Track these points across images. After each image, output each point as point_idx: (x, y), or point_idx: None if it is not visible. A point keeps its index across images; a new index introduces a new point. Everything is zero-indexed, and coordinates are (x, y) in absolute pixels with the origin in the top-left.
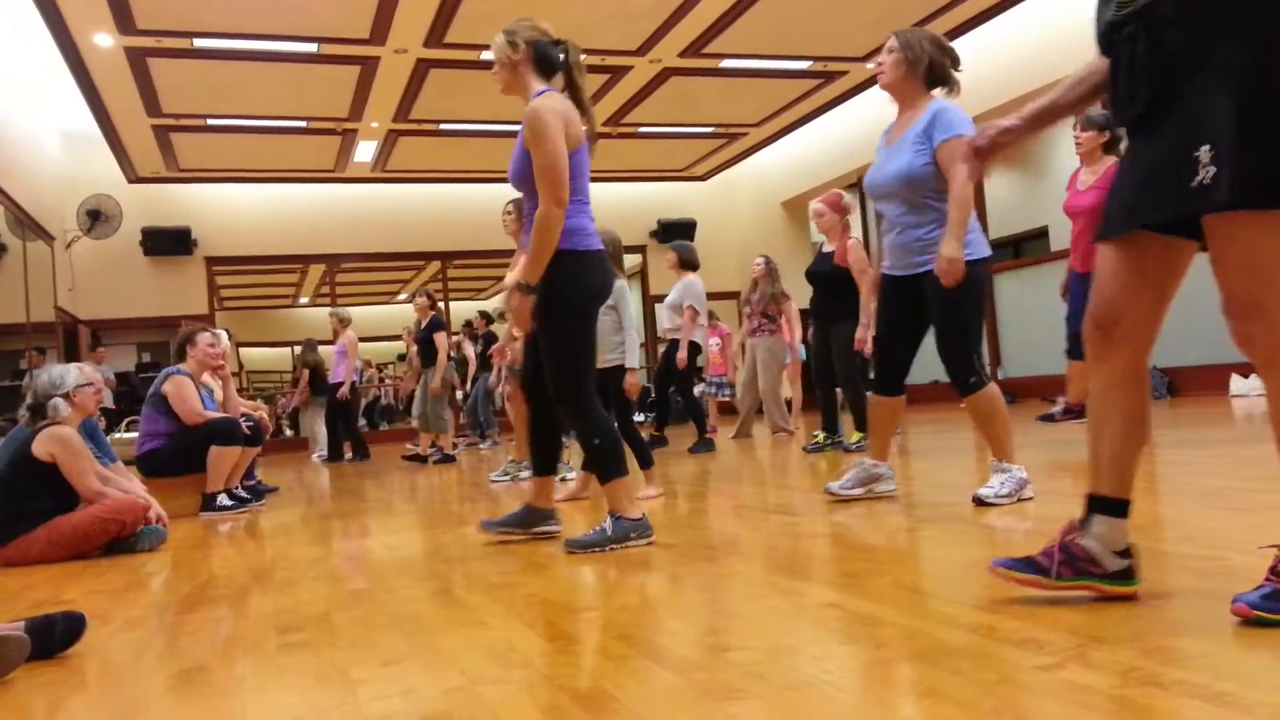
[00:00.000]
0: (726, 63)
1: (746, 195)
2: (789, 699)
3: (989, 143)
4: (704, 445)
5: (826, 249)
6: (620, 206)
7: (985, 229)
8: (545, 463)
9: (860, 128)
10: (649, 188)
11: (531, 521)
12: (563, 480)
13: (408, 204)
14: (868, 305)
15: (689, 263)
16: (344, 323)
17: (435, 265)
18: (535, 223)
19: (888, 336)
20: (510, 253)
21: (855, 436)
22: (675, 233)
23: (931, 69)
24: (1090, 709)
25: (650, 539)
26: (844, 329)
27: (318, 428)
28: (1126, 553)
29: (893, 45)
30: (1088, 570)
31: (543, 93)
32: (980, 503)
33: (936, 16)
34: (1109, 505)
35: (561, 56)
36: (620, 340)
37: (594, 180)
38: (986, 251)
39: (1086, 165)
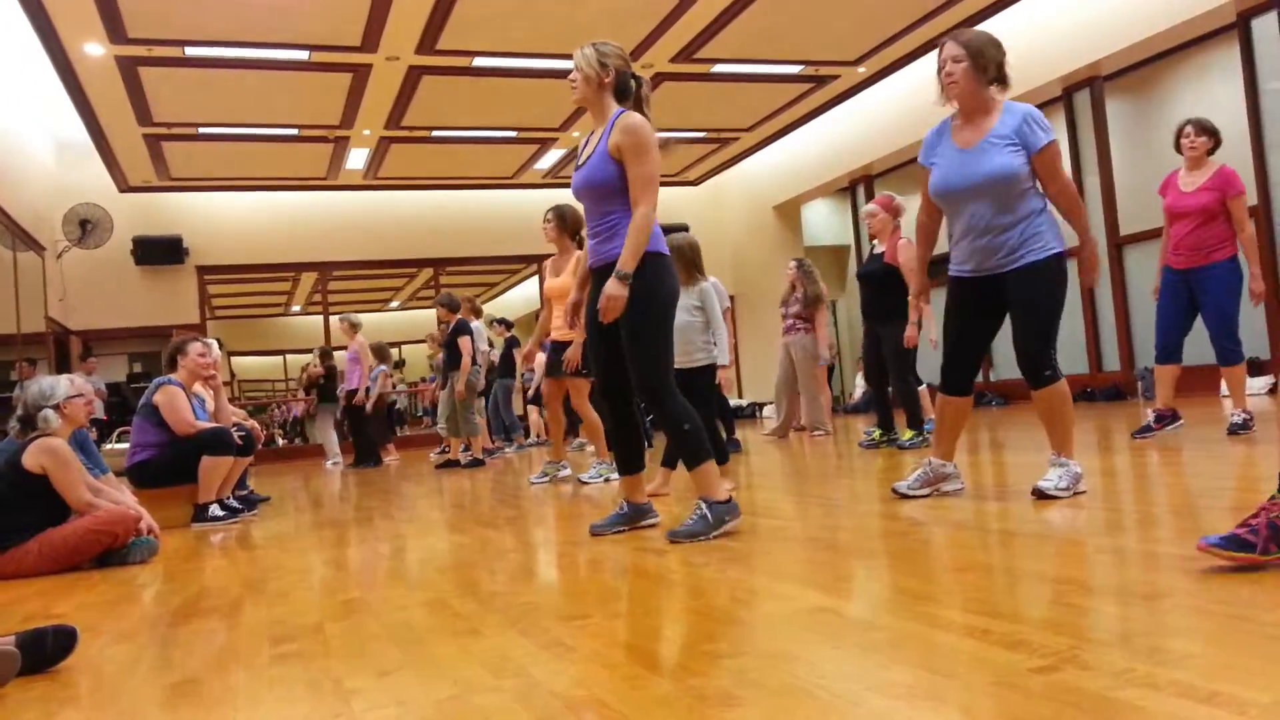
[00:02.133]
0: (718, 68)
1: (738, 199)
2: (784, 705)
3: None
4: (734, 446)
5: (878, 249)
6: None
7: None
8: (632, 461)
9: (851, 131)
10: None
11: (635, 518)
12: (606, 481)
13: (400, 211)
14: (916, 303)
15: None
16: (355, 328)
17: (428, 272)
18: (637, 221)
19: (959, 338)
20: (498, 258)
21: (908, 434)
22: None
23: (998, 69)
24: (1084, 710)
25: (739, 518)
26: (894, 328)
27: (330, 435)
28: None
29: (958, 54)
30: None
31: (624, 112)
32: (1041, 495)
33: (923, 23)
34: None
35: (634, 87)
36: (707, 339)
37: None
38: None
39: (1191, 169)
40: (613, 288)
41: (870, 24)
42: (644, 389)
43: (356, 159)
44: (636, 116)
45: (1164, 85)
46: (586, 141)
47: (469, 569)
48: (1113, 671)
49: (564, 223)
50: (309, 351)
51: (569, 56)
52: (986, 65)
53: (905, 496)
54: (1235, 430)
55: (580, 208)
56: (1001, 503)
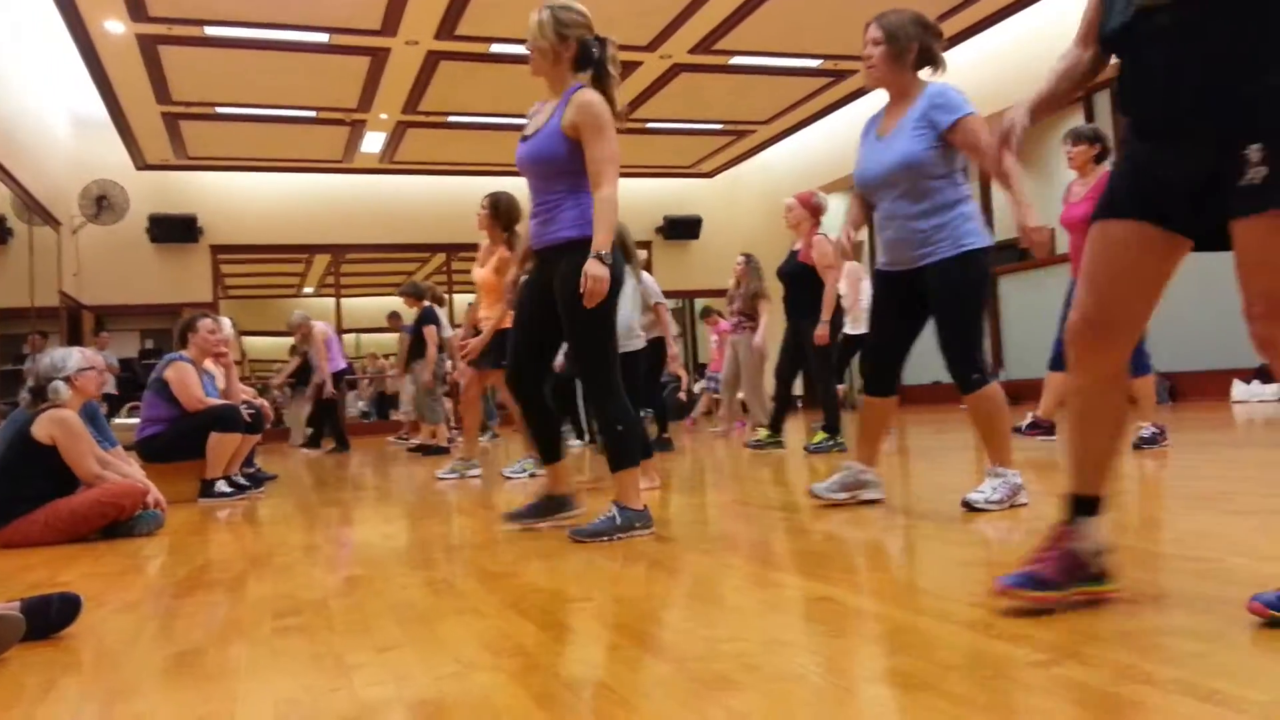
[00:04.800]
0: (737, 59)
1: (753, 193)
2: (782, 690)
3: (1010, 136)
4: (662, 444)
5: (796, 246)
6: (626, 202)
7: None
8: (550, 451)
9: None
10: (656, 184)
11: (554, 510)
12: (532, 476)
13: (414, 196)
14: (829, 301)
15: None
16: (305, 326)
17: (440, 257)
18: (602, 203)
19: (881, 335)
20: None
21: (819, 437)
22: (681, 229)
23: (920, 54)
24: (1084, 705)
25: (652, 530)
26: (812, 326)
27: (301, 416)
28: (1105, 551)
29: (876, 36)
30: (1083, 575)
31: (580, 88)
32: (970, 508)
33: (944, 19)
34: (1092, 505)
35: (597, 53)
36: (640, 323)
37: None
38: (988, 241)
39: (1080, 177)
40: (595, 268)
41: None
42: (590, 382)
43: (373, 143)
44: (593, 93)
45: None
46: (535, 112)
47: (470, 550)
48: (1113, 668)
49: (497, 211)
50: None
51: None
52: (906, 47)
53: (823, 500)
54: (1141, 445)
55: (518, 196)
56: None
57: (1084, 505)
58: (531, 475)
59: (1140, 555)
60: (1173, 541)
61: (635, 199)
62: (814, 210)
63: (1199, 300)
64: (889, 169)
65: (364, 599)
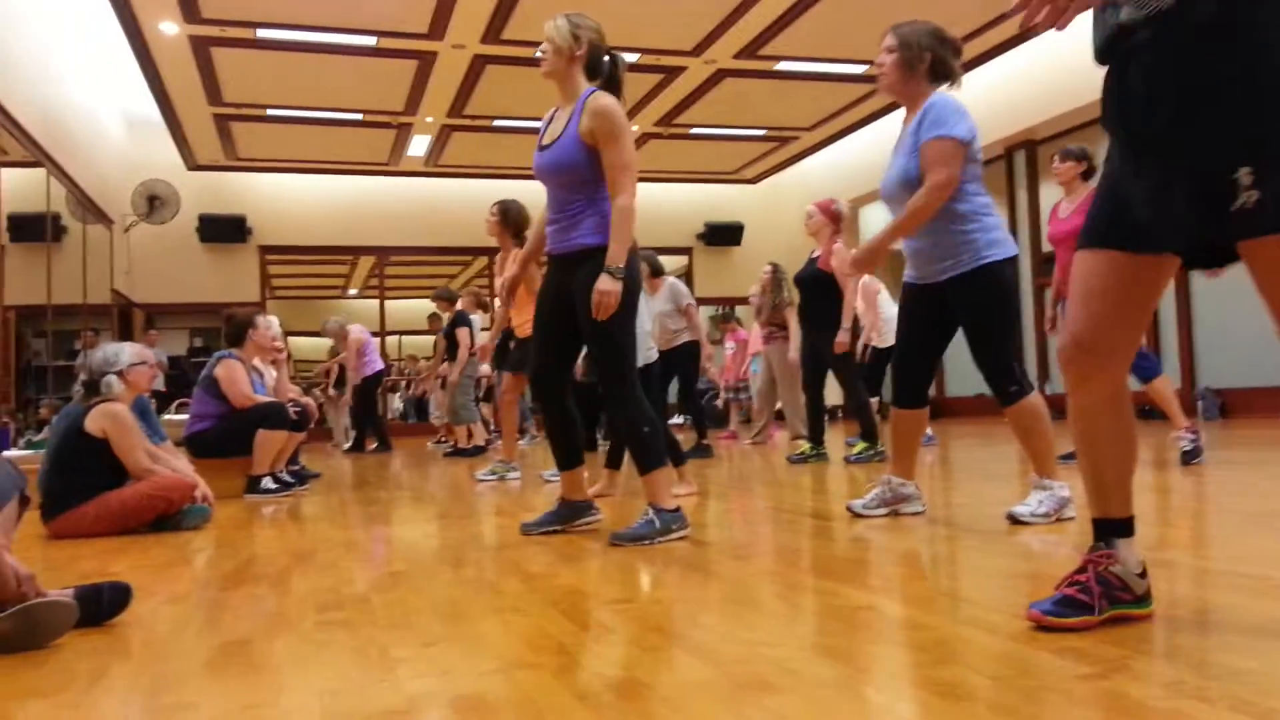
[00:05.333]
0: (782, 65)
1: (795, 200)
2: (823, 695)
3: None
4: (701, 450)
5: (815, 253)
6: (668, 208)
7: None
8: (570, 457)
9: None
10: (697, 189)
11: (571, 517)
12: (501, 479)
13: (458, 199)
14: (849, 309)
15: (659, 270)
16: (343, 331)
17: (483, 260)
18: (619, 213)
19: (907, 347)
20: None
21: (860, 447)
22: (723, 235)
23: (934, 65)
24: (1132, 718)
25: (689, 530)
26: (830, 336)
27: (343, 419)
28: (1144, 572)
29: (891, 44)
30: (1121, 598)
31: (594, 92)
32: (1015, 520)
33: (988, 29)
34: (1122, 527)
35: (608, 66)
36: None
37: (642, 180)
38: (1013, 250)
39: (1067, 195)
40: (607, 283)
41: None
42: (607, 388)
43: (418, 146)
44: (608, 98)
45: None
46: (550, 119)
47: (512, 549)
48: (1163, 682)
49: (507, 218)
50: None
51: (632, 50)
52: (918, 57)
53: (860, 516)
54: (1188, 460)
55: (526, 204)
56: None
57: (1114, 527)
58: (501, 479)
59: (1192, 571)
60: (1227, 559)
61: (677, 205)
62: (834, 218)
63: (1250, 317)
64: (890, 186)
65: (406, 595)
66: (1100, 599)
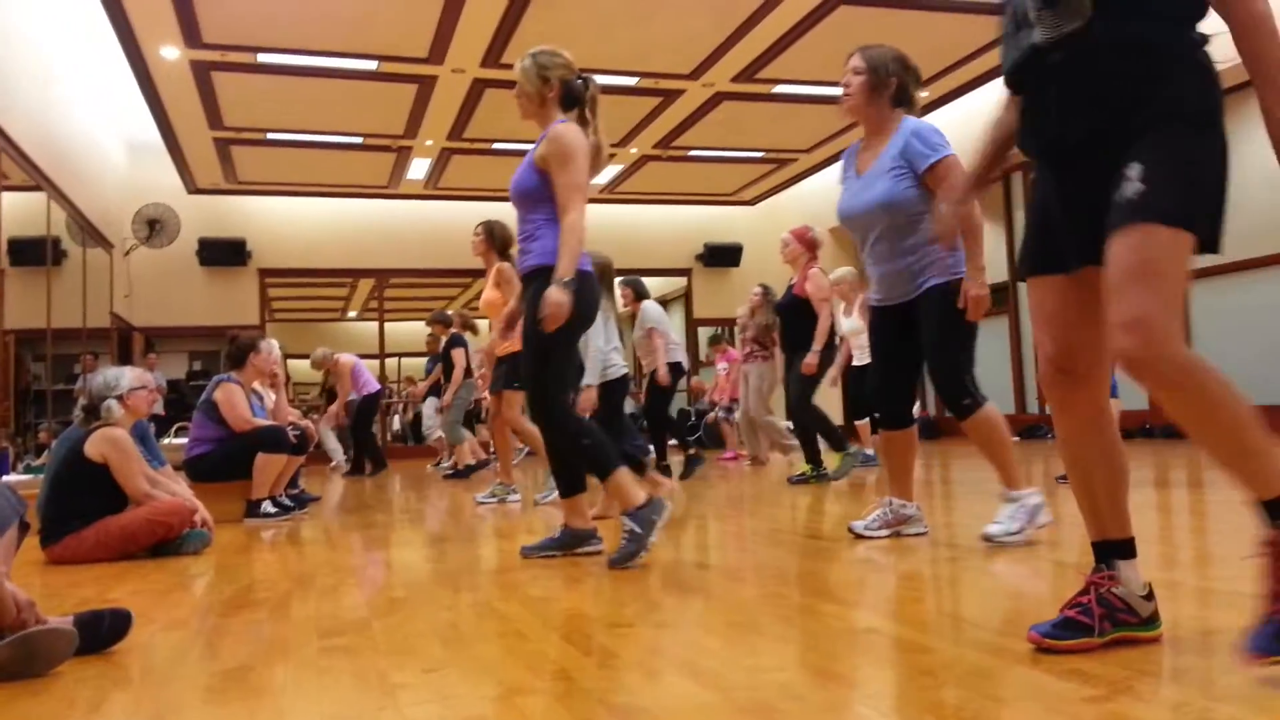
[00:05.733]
0: (779, 88)
1: (794, 221)
2: None
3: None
4: (681, 468)
5: (794, 281)
6: (667, 229)
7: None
8: (572, 483)
9: None
10: (696, 211)
11: (572, 543)
12: (501, 501)
13: (458, 221)
14: (822, 332)
15: (642, 294)
16: (328, 360)
17: (483, 282)
18: (567, 226)
19: (885, 368)
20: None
21: (802, 469)
22: (722, 257)
23: (898, 91)
24: None
25: (668, 510)
26: (803, 360)
27: (329, 441)
28: (1150, 594)
29: (858, 65)
30: (1125, 620)
31: (563, 122)
32: (990, 540)
33: (986, 50)
34: (1122, 548)
35: (581, 91)
36: (614, 356)
37: (641, 202)
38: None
39: None
40: (555, 294)
41: (934, 49)
42: (531, 407)
43: (418, 169)
44: (564, 126)
45: (1236, 119)
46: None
47: (512, 573)
48: (1168, 704)
49: (492, 237)
50: (367, 358)
51: (631, 74)
52: (885, 81)
53: (862, 537)
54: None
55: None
56: (1053, 530)
57: (1114, 549)
58: (501, 501)
59: (1196, 592)
60: (1230, 578)
61: (676, 226)
62: (809, 245)
63: (1251, 334)
64: (869, 208)
65: (407, 620)
66: (1102, 621)
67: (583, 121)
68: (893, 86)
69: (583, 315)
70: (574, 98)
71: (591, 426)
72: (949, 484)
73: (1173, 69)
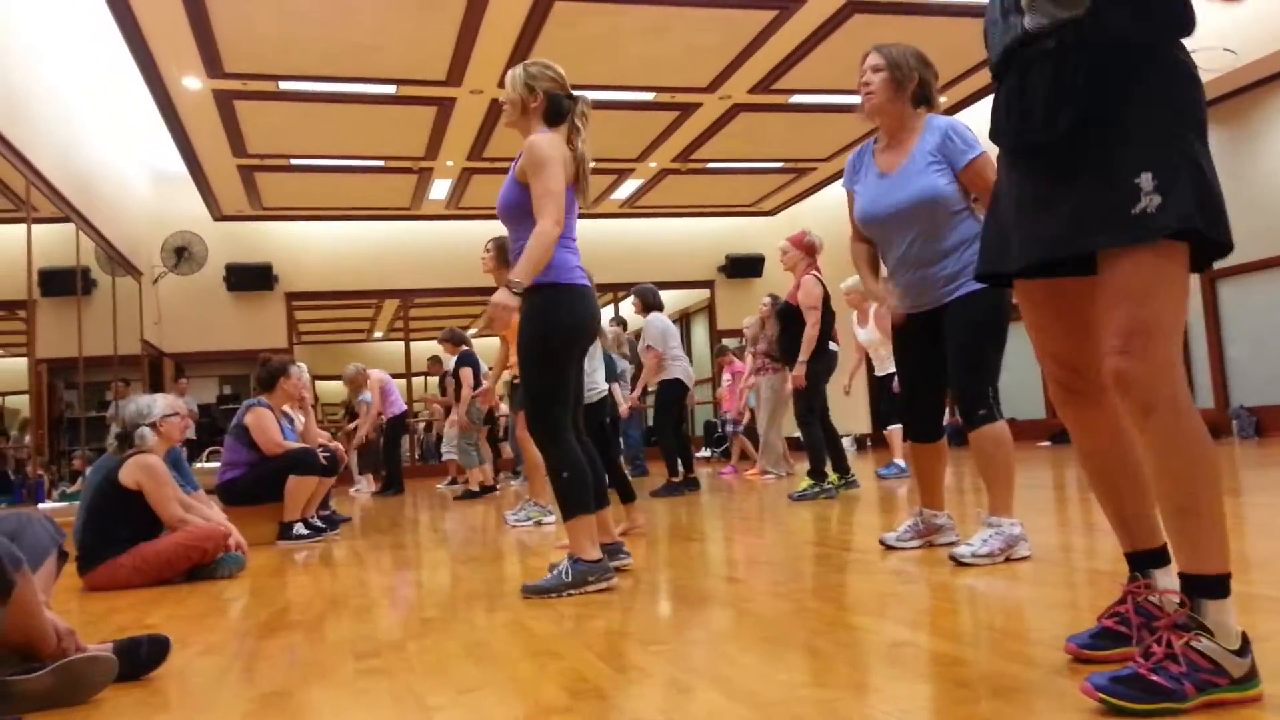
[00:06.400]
0: (796, 98)
1: (815, 230)
2: None
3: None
4: (669, 489)
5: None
6: (689, 241)
7: None
8: (593, 499)
9: None
10: (717, 223)
11: None
12: (538, 525)
13: (480, 240)
14: (808, 342)
15: (650, 304)
16: (359, 377)
17: None
18: (534, 235)
19: (914, 380)
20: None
21: (804, 484)
22: (744, 268)
23: (920, 86)
24: None
25: (610, 582)
26: (810, 369)
27: (353, 462)
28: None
29: (878, 63)
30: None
31: (542, 133)
32: (957, 562)
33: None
34: (1156, 557)
35: (568, 108)
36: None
37: (662, 215)
38: None
39: None
40: (500, 296)
41: (950, 55)
42: (529, 425)
43: (439, 190)
44: (538, 136)
45: (1261, 114)
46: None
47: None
48: (1210, 713)
49: (502, 254)
50: (394, 378)
51: (647, 89)
52: (907, 78)
53: (893, 549)
54: None
55: None
56: (1087, 539)
57: (1148, 558)
58: (538, 524)
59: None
60: (1267, 583)
61: (698, 238)
62: (808, 250)
63: None
64: (905, 205)
65: (441, 640)
66: (1139, 629)
67: (570, 136)
68: (915, 83)
69: (579, 330)
70: (558, 113)
71: (579, 463)
72: (979, 491)
73: (1162, 64)
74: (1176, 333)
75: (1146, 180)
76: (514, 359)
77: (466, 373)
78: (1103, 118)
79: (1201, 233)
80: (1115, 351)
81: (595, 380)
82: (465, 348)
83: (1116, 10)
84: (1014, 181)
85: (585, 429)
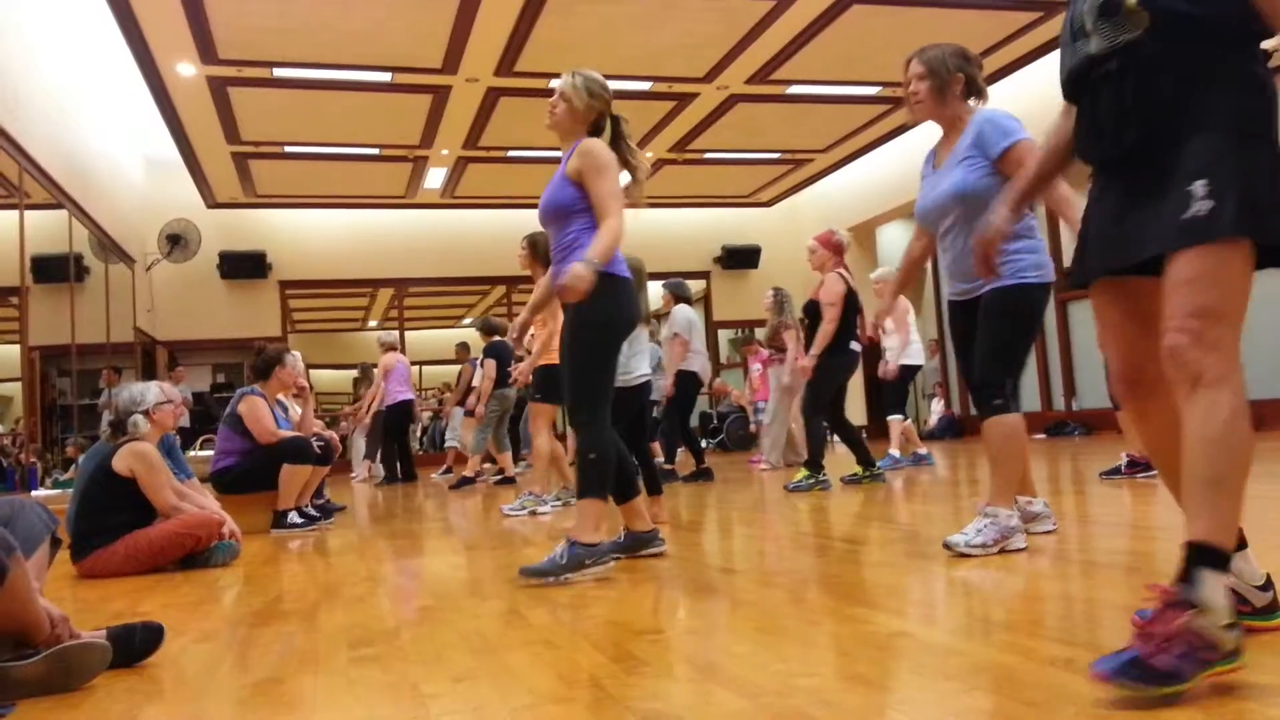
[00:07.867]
0: (793, 89)
1: (812, 221)
2: None
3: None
4: (701, 475)
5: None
6: (685, 232)
7: (1060, 257)
8: (625, 490)
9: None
10: (714, 213)
11: (635, 546)
12: (532, 514)
13: (475, 229)
14: (823, 337)
15: (680, 297)
16: (384, 347)
17: (501, 289)
18: (607, 228)
19: (969, 364)
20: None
21: (801, 475)
22: (740, 259)
23: (966, 84)
24: None
25: (607, 566)
26: (829, 361)
27: (360, 451)
28: (1268, 584)
29: (919, 71)
30: (1240, 610)
31: (587, 139)
32: (950, 550)
33: (1003, 45)
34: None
35: (610, 125)
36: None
37: (658, 206)
38: (1049, 278)
39: None
40: (579, 268)
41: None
42: (569, 410)
43: (434, 178)
44: (593, 140)
45: None
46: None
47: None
48: (1205, 707)
49: (535, 250)
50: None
51: (644, 79)
52: (951, 79)
53: (963, 553)
54: (1116, 472)
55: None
56: (1081, 530)
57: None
58: (532, 514)
59: None
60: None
61: (694, 229)
62: (835, 249)
63: (1277, 325)
64: (943, 201)
65: (436, 629)
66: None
67: (617, 153)
68: (961, 82)
69: (626, 321)
70: (600, 129)
71: (608, 449)
72: (975, 484)
73: (1224, 80)
74: (1233, 321)
75: (1199, 188)
76: (540, 346)
77: (490, 364)
78: (1165, 132)
79: (1247, 237)
80: (1172, 329)
81: (633, 366)
82: (497, 338)
83: (1173, 29)
84: (1099, 192)
85: (622, 414)
